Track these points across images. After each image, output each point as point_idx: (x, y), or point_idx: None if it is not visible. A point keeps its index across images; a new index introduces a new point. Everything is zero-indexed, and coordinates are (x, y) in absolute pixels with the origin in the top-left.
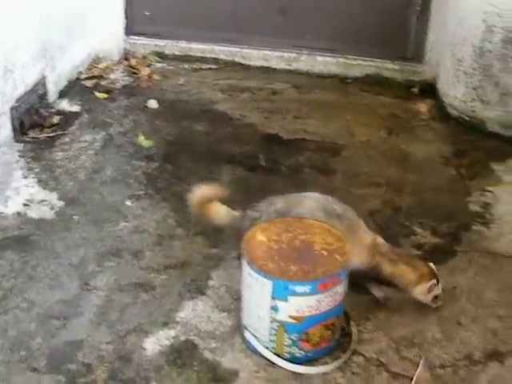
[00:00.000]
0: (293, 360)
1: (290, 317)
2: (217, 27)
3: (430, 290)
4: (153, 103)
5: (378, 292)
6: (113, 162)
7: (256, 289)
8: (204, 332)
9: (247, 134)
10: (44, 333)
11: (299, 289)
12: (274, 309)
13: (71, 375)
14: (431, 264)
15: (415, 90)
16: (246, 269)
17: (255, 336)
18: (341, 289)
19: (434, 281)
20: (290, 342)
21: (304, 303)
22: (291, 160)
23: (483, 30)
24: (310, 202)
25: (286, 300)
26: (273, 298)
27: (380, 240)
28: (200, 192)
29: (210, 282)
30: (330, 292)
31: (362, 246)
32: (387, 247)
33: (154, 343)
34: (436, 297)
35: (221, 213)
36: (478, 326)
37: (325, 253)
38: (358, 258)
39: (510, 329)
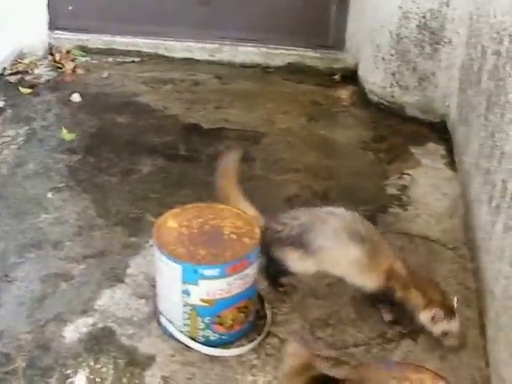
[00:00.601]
0: (208, 343)
1: (202, 300)
2: (139, 20)
3: (434, 320)
4: (76, 97)
5: (387, 316)
6: (35, 156)
7: (167, 274)
8: (122, 319)
9: (168, 124)
10: None
11: (208, 272)
12: (186, 293)
13: None
14: (452, 298)
15: (337, 77)
16: (157, 254)
17: (170, 321)
18: (251, 271)
19: (440, 311)
20: (204, 325)
21: (214, 286)
22: (211, 149)
23: (399, 16)
24: (335, 219)
25: (196, 284)
26: (183, 282)
27: (398, 265)
28: None
29: (129, 270)
30: (239, 275)
31: (378, 271)
32: (404, 271)
33: (73, 331)
34: (446, 333)
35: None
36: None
37: (234, 236)
38: (373, 282)
39: None
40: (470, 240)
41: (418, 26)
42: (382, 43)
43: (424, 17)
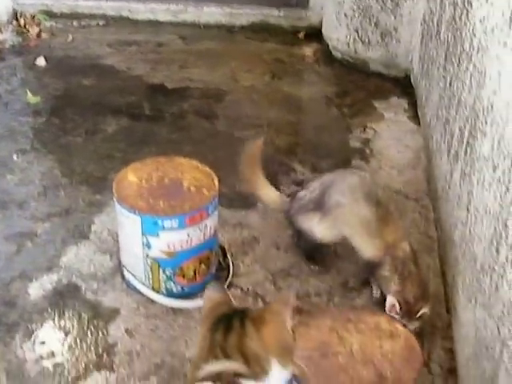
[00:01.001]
0: (170, 295)
1: (163, 252)
2: None
3: (389, 309)
4: (41, 61)
5: (375, 290)
6: (0, 120)
7: (128, 227)
8: (86, 274)
9: (133, 85)
10: None
11: (167, 223)
12: (147, 245)
13: None
14: (426, 307)
15: (301, 35)
16: (118, 208)
17: (133, 274)
18: (210, 223)
19: (399, 309)
20: (166, 277)
21: (174, 237)
22: (175, 108)
23: None
24: (355, 178)
25: (156, 235)
26: (143, 233)
27: (402, 245)
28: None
29: (93, 227)
30: (198, 226)
31: (381, 241)
32: (403, 255)
33: (38, 288)
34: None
35: (270, 196)
36: (354, 257)
37: (193, 189)
38: (372, 250)
39: None
40: (432, 190)
41: None
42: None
43: None
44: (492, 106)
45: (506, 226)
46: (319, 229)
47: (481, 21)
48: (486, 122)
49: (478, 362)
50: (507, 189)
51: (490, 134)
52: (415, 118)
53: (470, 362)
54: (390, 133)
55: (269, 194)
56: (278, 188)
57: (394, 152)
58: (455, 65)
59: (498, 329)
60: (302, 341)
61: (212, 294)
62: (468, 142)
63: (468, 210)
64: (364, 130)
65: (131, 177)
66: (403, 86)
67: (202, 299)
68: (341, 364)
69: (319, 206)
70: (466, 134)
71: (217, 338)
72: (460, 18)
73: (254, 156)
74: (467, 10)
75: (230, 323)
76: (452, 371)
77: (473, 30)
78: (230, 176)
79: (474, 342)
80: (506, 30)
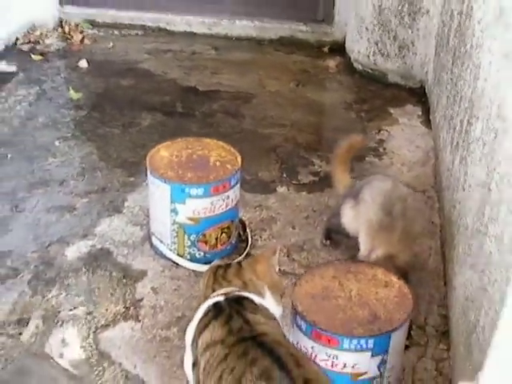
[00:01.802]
0: (193, 260)
1: (188, 218)
2: None
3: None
4: (83, 63)
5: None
6: (45, 112)
7: (158, 195)
8: (118, 242)
9: (167, 87)
10: None
11: (194, 191)
12: (174, 211)
13: (0, 277)
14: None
15: (325, 49)
16: (150, 178)
17: (161, 240)
18: (232, 195)
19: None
20: (190, 243)
21: (199, 205)
22: (205, 107)
23: None
24: (388, 184)
25: (183, 202)
26: (172, 201)
27: (402, 258)
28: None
29: (126, 203)
30: (221, 196)
31: (373, 244)
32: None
33: (74, 251)
34: None
35: (344, 180)
36: None
37: (218, 164)
38: (363, 248)
39: None
40: (438, 183)
41: None
42: (366, 15)
43: None
44: (483, 92)
45: (489, 189)
46: (346, 214)
47: (479, 22)
48: (479, 107)
49: (465, 317)
50: (492, 158)
51: (481, 117)
52: (427, 122)
53: (460, 320)
54: (402, 135)
55: (343, 179)
56: (296, 177)
57: (405, 151)
58: (459, 66)
59: (481, 280)
60: (307, 286)
61: (219, 260)
62: (466, 131)
63: (464, 188)
64: (379, 131)
65: (163, 152)
66: (418, 96)
67: None
68: (340, 305)
69: (354, 196)
70: (465, 123)
71: (219, 273)
72: (464, 24)
73: (351, 147)
74: (470, 15)
75: (228, 265)
76: (445, 333)
77: (473, 31)
78: (253, 165)
79: (463, 301)
80: (495, 23)
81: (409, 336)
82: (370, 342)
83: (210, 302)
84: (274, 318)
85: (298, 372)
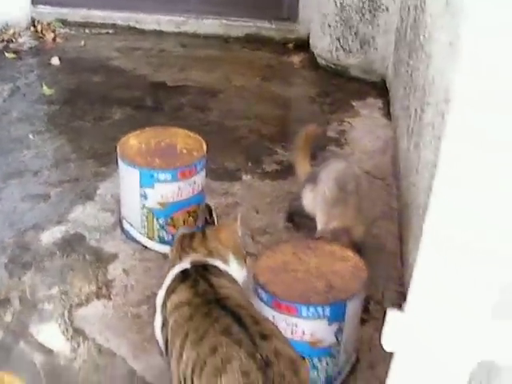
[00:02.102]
0: (162, 242)
1: (157, 203)
2: None
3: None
4: (55, 60)
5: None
6: (18, 107)
7: (128, 180)
8: (91, 227)
9: (137, 82)
10: None
11: (162, 176)
12: (144, 196)
13: None
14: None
15: (290, 45)
16: (120, 165)
17: (131, 224)
18: (198, 180)
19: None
20: (159, 226)
21: (167, 190)
22: (174, 101)
23: None
24: (341, 164)
25: (152, 187)
26: (141, 186)
27: (357, 230)
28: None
29: (98, 191)
30: (188, 181)
31: (329, 219)
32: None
33: (49, 236)
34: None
35: (304, 168)
36: None
37: (185, 151)
38: (320, 223)
39: None
40: (396, 171)
41: None
42: (328, 12)
43: None
44: (433, 79)
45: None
46: (306, 197)
47: (430, 15)
48: (430, 94)
49: None
50: (439, 138)
51: (431, 102)
52: (388, 114)
53: None
54: (363, 126)
55: (303, 167)
56: (260, 166)
57: (365, 141)
58: (414, 58)
59: None
60: (268, 260)
61: (183, 230)
62: (419, 117)
63: (417, 171)
64: (341, 123)
65: (132, 140)
66: (379, 89)
67: None
68: (298, 277)
69: (314, 180)
70: (419, 111)
71: (185, 243)
72: (419, 18)
73: (308, 136)
74: (422, 9)
75: (193, 234)
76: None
77: (425, 23)
78: (219, 156)
79: None
80: (442, 13)
81: (367, 311)
82: (327, 310)
83: (177, 268)
84: (238, 284)
85: (255, 328)
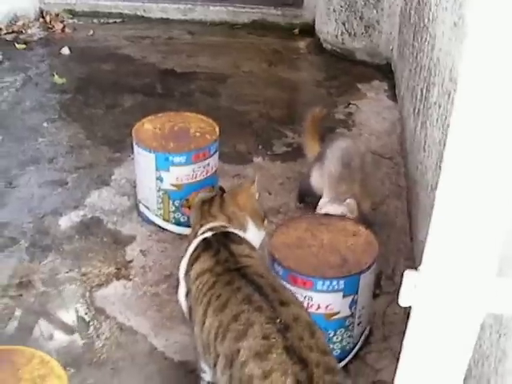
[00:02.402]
0: (178, 224)
1: (172, 185)
2: None
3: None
4: (66, 50)
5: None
6: (31, 96)
7: (144, 164)
8: (107, 211)
9: (147, 70)
10: None
11: (177, 159)
12: (159, 179)
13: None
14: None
15: (296, 31)
16: (136, 149)
17: (147, 207)
18: (212, 162)
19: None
20: (174, 208)
21: (182, 172)
22: (183, 87)
23: None
24: (345, 142)
25: (167, 170)
26: (157, 169)
27: (364, 205)
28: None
29: (113, 177)
30: (202, 163)
31: (336, 194)
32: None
33: (67, 221)
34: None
35: (314, 149)
36: None
37: (198, 134)
38: (325, 198)
39: None
40: (403, 150)
41: None
42: None
43: None
44: (438, 60)
45: (444, 145)
46: (313, 175)
47: None
48: (435, 74)
49: None
50: (445, 117)
51: (437, 82)
52: (394, 96)
53: None
54: (370, 108)
55: (313, 148)
56: (271, 148)
57: (372, 122)
58: (419, 40)
59: None
60: (282, 236)
61: (203, 194)
62: (425, 97)
63: (424, 150)
64: (348, 105)
65: (147, 125)
66: (385, 72)
67: None
68: (312, 252)
69: (321, 159)
70: (424, 91)
71: (204, 209)
72: (422, 1)
73: (314, 118)
74: None
75: (212, 199)
76: None
77: (429, 6)
78: (231, 139)
79: None
80: None
81: (379, 286)
82: (341, 283)
83: (199, 238)
84: (256, 250)
85: (274, 296)
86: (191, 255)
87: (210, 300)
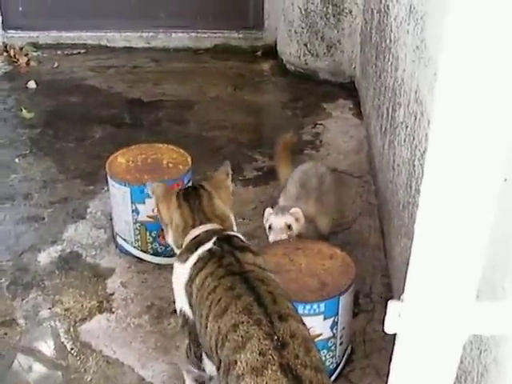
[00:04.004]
0: (156, 254)
1: (148, 217)
2: (83, 15)
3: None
4: (32, 84)
5: None
6: (0, 132)
7: (119, 198)
8: (85, 244)
9: (114, 100)
10: None
11: None
12: (136, 211)
13: None
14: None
15: (259, 53)
16: (111, 183)
17: (125, 239)
18: None
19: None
20: (151, 239)
21: None
22: (151, 116)
23: None
24: (305, 166)
25: (143, 202)
26: (132, 201)
27: (320, 222)
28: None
29: (88, 210)
30: None
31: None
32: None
33: (46, 256)
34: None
35: (286, 173)
36: None
37: (171, 165)
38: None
39: None
40: (372, 168)
41: (322, 0)
42: (294, 18)
43: None
44: (403, 81)
45: (413, 165)
46: (281, 198)
47: (394, 18)
48: (400, 95)
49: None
50: (413, 138)
51: (402, 102)
52: (359, 114)
53: (401, 284)
54: (336, 127)
55: (285, 172)
56: (242, 173)
57: (340, 142)
58: (382, 59)
59: None
60: None
61: (157, 185)
62: (392, 116)
63: (393, 168)
64: (314, 126)
65: (120, 159)
66: (348, 90)
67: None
68: (292, 277)
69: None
70: (390, 110)
71: (194, 204)
72: (383, 21)
73: (285, 144)
74: (386, 13)
75: (197, 194)
76: (389, 299)
77: (390, 27)
78: (201, 166)
79: (403, 266)
80: (407, 19)
81: (357, 304)
82: (322, 306)
83: (203, 248)
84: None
85: (273, 308)
86: (195, 265)
87: (211, 304)
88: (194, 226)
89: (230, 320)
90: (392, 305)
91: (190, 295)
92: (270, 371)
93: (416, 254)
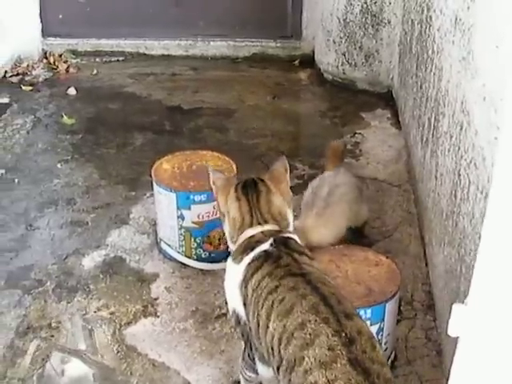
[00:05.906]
0: (200, 260)
1: (193, 222)
2: (121, 23)
3: None
4: (72, 90)
5: None
6: (42, 138)
7: (165, 203)
8: (129, 249)
9: (154, 107)
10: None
11: (198, 197)
12: (181, 217)
13: (26, 288)
14: None
15: (296, 62)
16: (156, 189)
17: (169, 245)
18: None
19: None
20: (196, 244)
21: (203, 210)
22: (191, 124)
23: (345, 3)
24: (317, 178)
25: (189, 208)
26: (178, 207)
27: (315, 233)
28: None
29: (131, 215)
30: None
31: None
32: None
33: (90, 261)
34: None
35: None
36: None
37: None
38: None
39: None
40: (411, 177)
41: (361, 10)
42: (332, 28)
43: (365, 2)
44: (447, 91)
45: (459, 174)
46: None
47: (438, 29)
48: (444, 105)
49: (447, 288)
50: (458, 148)
51: (446, 113)
52: (397, 124)
53: (443, 291)
54: (375, 137)
55: None
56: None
57: (379, 151)
58: (423, 70)
59: (458, 253)
60: None
61: (217, 173)
62: (434, 126)
63: (436, 178)
64: (354, 135)
65: (165, 165)
66: (386, 100)
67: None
68: (338, 283)
69: None
70: (433, 120)
71: (252, 201)
72: (425, 32)
73: (336, 150)
74: (429, 24)
75: (256, 187)
76: (430, 306)
77: (433, 38)
78: (243, 173)
79: (444, 275)
80: (452, 31)
81: (399, 312)
82: (369, 312)
83: (259, 248)
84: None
85: (339, 308)
86: (249, 265)
87: (272, 304)
88: (250, 225)
89: (296, 319)
90: (456, 308)
91: (244, 295)
92: (339, 365)
93: (481, 259)
